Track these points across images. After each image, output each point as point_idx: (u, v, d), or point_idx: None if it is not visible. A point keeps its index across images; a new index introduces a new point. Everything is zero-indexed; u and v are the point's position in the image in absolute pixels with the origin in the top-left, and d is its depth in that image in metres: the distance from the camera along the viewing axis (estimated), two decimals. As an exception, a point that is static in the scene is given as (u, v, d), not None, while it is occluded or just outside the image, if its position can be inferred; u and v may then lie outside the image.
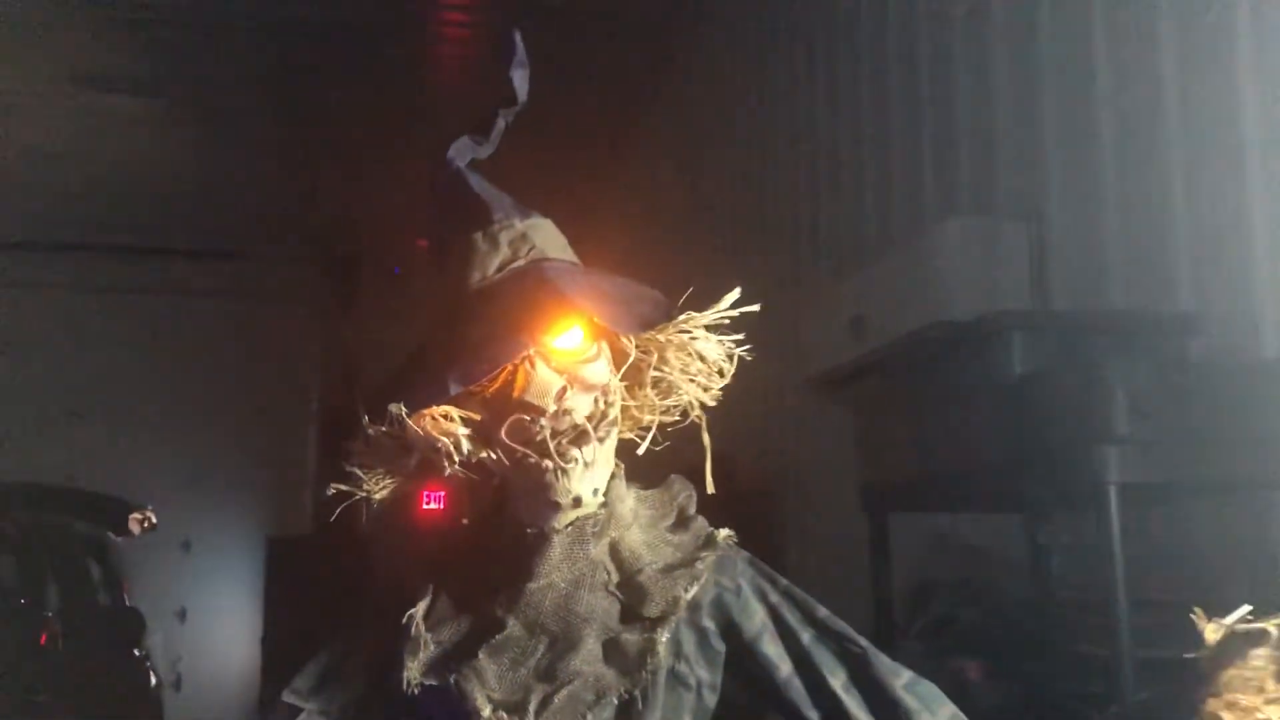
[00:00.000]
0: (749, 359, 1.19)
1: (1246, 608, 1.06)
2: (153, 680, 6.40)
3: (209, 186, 8.00)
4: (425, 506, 9.45)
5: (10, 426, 7.87)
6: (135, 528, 6.15)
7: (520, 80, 1.21)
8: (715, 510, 1.26)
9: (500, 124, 1.21)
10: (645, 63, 5.97)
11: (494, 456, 1.14)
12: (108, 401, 8.83)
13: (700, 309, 1.15)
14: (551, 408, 1.12)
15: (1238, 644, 1.04)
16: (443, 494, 9.45)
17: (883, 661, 1.21)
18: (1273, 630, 1.03)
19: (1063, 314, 2.64)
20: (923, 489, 2.54)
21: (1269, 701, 1.02)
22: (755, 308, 1.15)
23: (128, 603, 6.10)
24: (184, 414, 9.02)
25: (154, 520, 6.34)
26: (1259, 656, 1.03)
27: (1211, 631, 1.05)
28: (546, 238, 1.19)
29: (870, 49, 3.91)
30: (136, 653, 6.25)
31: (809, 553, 3.71)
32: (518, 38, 1.20)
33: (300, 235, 9.40)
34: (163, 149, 7.35)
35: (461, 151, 1.22)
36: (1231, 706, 1.03)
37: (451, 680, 1.13)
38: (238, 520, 9.41)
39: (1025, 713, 2.05)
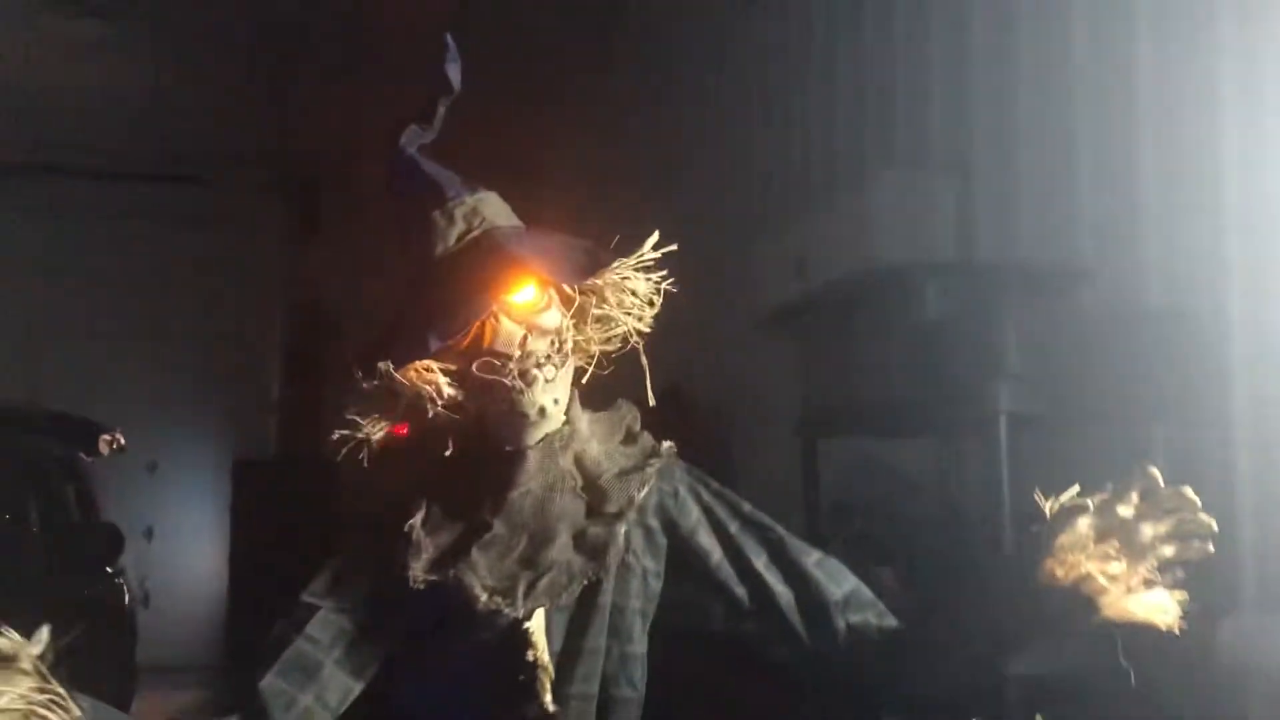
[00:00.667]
0: (695, 296, 1.43)
1: (1075, 488, 1.34)
2: (126, 597, 6.55)
3: (170, 112, 8.03)
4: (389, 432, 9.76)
5: None
6: (104, 449, 6.28)
7: (454, 73, 1.43)
8: (667, 431, 1.51)
9: (441, 110, 1.44)
10: (597, 16, 6.09)
11: (471, 393, 1.38)
12: (71, 325, 8.86)
13: (642, 248, 1.39)
14: (516, 353, 1.35)
15: (1066, 515, 1.32)
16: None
17: (796, 544, 1.48)
18: (1090, 504, 1.32)
19: (971, 264, 2.93)
20: (849, 416, 2.83)
21: (1089, 558, 1.31)
22: (673, 247, 1.39)
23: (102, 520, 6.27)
24: (148, 338, 9.06)
25: (122, 442, 6.47)
26: (1082, 524, 1.32)
27: (1049, 508, 1.34)
28: (494, 209, 1.41)
29: (818, 8, 4.14)
30: (109, 570, 6.38)
31: (748, 471, 4.01)
32: (449, 39, 1.44)
33: (261, 161, 9.46)
34: (124, 74, 7.34)
35: (411, 139, 1.43)
36: (1062, 564, 1.32)
37: (450, 575, 1.35)
38: (203, 443, 9.49)
39: (931, 614, 2.36)
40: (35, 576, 4.83)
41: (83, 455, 6.30)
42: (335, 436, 1.37)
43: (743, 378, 4.44)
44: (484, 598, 1.34)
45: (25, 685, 1.13)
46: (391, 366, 1.32)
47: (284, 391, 9.92)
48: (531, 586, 1.35)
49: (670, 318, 1.45)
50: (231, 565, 9.02)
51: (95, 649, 5.32)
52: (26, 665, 1.14)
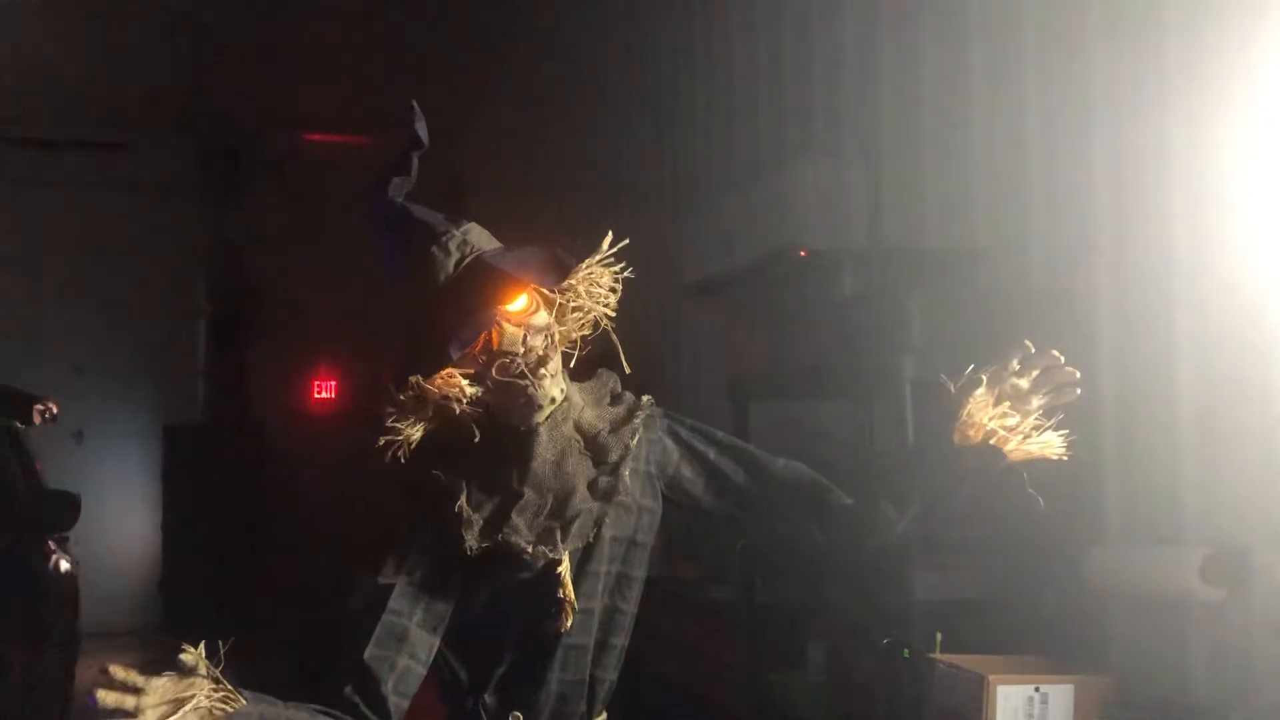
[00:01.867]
0: (633, 277, 1.73)
1: (972, 367, 1.71)
2: (65, 565, 6.61)
3: (91, 80, 8.05)
4: (316, 396, 9.93)
5: None
6: (37, 418, 6.40)
7: (422, 130, 1.72)
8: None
9: (415, 162, 1.72)
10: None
11: (489, 389, 1.68)
12: None
13: (601, 247, 1.70)
14: (521, 350, 1.66)
15: (967, 388, 1.69)
16: (332, 384, 9.98)
17: (762, 455, 1.85)
18: (983, 376, 1.68)
19: (880, 248, 3.29)
20: (777, 381, 3.18)
21: (990, 418, 1.69)
22: (626, 242, 1.70)
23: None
24: (72, 306, 9.06)
25: (55, 411, 6.58)
26: (980, 393, 1.68)
27: (952, 385, 1.70)
28: (478, 236, 1.71)
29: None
30: (49, 540, 6.44)
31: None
32: (415, 104, 1.72)
33: (180, 129, 9.49)
34: (44, 39, 7.33)
35: (397, 189, 1.72)
36: (969, 424, 1.69)
37: (499, 539, 1.68)
38: (130, 411, 9.54)
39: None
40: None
41: (19, 424, 6.38)
42: (381, 443, 1.66)
43: (677, 347, 4.80)
44: (530, 550, 1.68)
45: (206, 688, 1.48)
46: (421, 379, 1.63)
47: (209, 357, 10.01)
48: (565, 533, 1.69)
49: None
50: (164, 530, 9.12)
51: (42, 615, 5.42)
52: (204, 671, 1.48)
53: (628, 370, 1.82)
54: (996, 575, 2.63)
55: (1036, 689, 2.26)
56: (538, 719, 1.78)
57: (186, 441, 9.23)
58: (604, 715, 1.87)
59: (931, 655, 2.42)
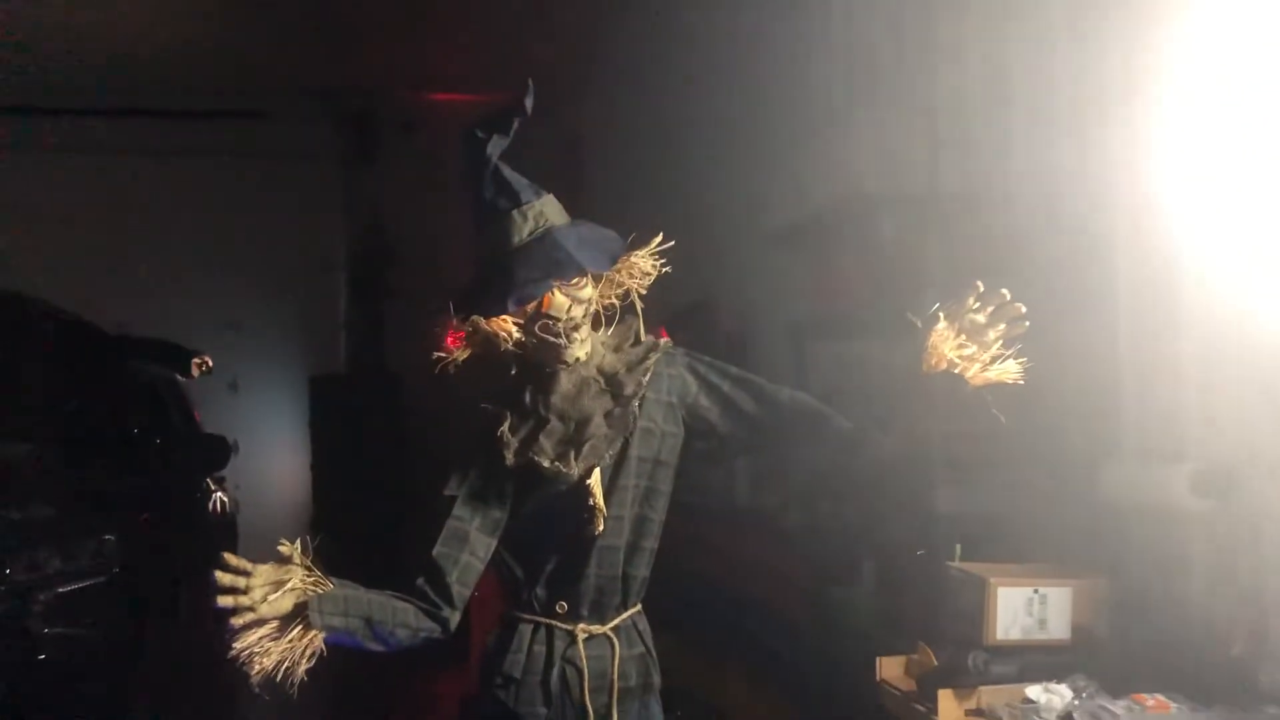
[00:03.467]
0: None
1: (937, 305, 1.99)
2: (223, 503, 7.26)
3: (226, 48, 8.38)
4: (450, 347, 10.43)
5: (63, 284, 8.53)
6: (196, 371, 7.05)
7: (529, 103, 2.07)
8: (696, 344, 2.14)
9: (515, 126, 2.07)
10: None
11: (529, 338, 2.05)
12: (151, 256, 9.40)
13: (649, 245, 2.07)
14: (563, 316, 2.03)
15: (928, 324, 1.98)
16: (463, 335, 10.45)
17: (770, 386, 2.17)
18: (941, 315, 1.97)
19: (911, 195, 3.50)
20: (832, 322, 3.47)
21: (950, 349, 1.97)
22: (670, 244, 2.05)
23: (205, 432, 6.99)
24: (222, 267, 9.61)
25: (210, 364, 7.23)
26: (940, 328, 1.97)
27: (919, 322, 2.00)
28: (553, 210, 2.07)
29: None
30: (207, 479, 7.09)
31: (752, 368, 4.66)
32: (530, 83, 2.08)
33: (317, 94, 9.99)
34: (179, 10, 7.71)
35: (495, 147, 2.07)
36: (934, 355, 1.98)
37: (530, 456, 2.06)
38: (279, 363, 10.19)
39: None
40: (166, 483, 5.49)
41: (180, 377, 7.03)
42: (434, 357, 2.06)
43: (755, 294, 5.09)
44: (549, 465, 2.05)
45: (300, 574, 1.94)
46: (479, 319, 2.01)
47: (350, 311, 10.62)
48: (579, 453, 2.06)
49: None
50: (313, 472, 9.81)
51: (207, 551, 6.00)
52: (298, 560, 1.94)
53: (643, 337, 2.18)
54: (1017, 489, 2.89)
55: (1036, 591, 2.52)
56: (580, 608, 2.16)
57: (331, 390, 9.85)
58: (638, 607, 2.23)
59: (950, 562, 2.70)
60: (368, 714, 5.69)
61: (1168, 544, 2.67)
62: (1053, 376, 2.91)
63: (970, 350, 2.02)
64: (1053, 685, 2.34)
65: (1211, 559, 2.57)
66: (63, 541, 4.13)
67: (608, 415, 2.09)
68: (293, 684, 1.91)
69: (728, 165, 5.21)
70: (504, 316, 2.03)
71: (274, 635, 1.92)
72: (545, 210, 2.06)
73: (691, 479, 2.30)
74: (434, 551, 2.08)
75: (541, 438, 2.07)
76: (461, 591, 2.09)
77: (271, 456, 9.92)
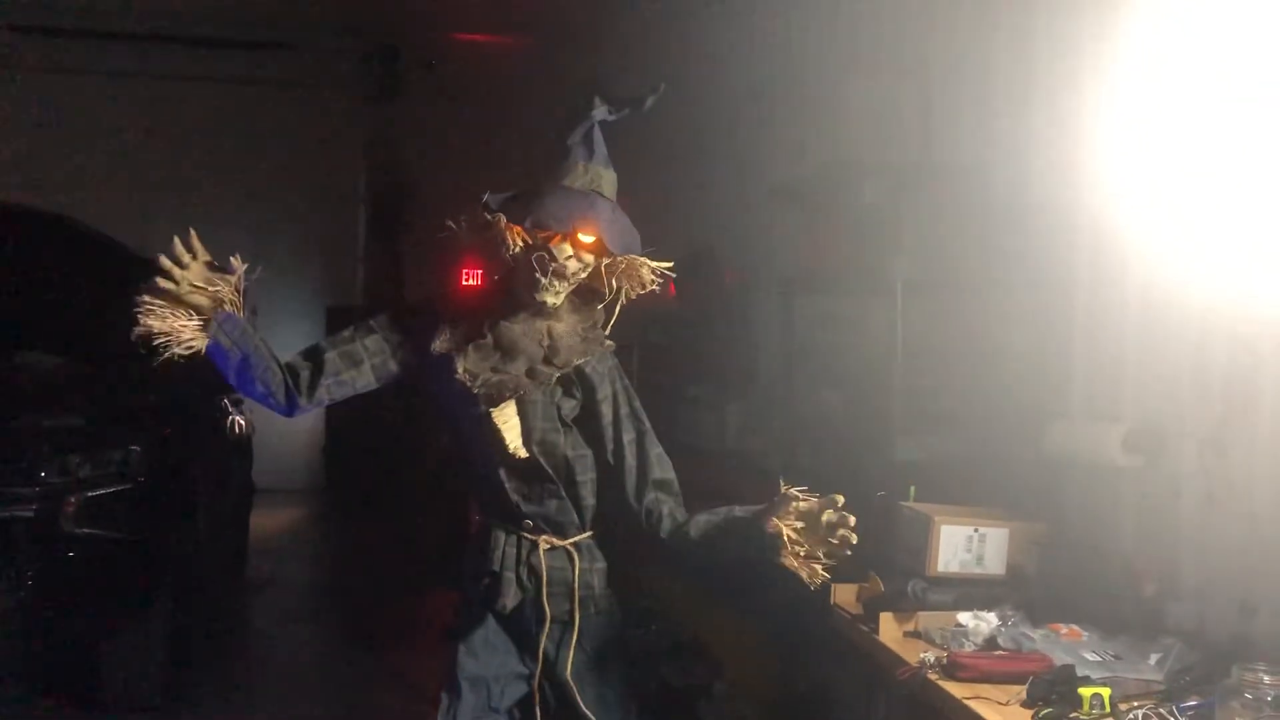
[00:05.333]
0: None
1: (805, 488, 2.20)
2: (241, 424, 7.49)
3: None
4: (465, 283, 10.70)
5: (92, 202, 8.69)
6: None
7: (650, 104, 2.31)
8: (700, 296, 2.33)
9: (625, 112, 2.31)
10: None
11: (524, 258, 2.30)
12: (175, 183, 9.61)
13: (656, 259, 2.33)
14: (558, 260, 2.28)
15: (788, 498, 2.20)
16: (479, 273, 10.71)
17: (653, 437, 2.42)
18: (800, 502, 2.20)
19: (886, 162, 3.71)
20: (813, 279, 3.71)
21: (787, 527, 2.23)
22: (668, 265, 2.32)
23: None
24: (245, 196, 9.82)
25: (235, 284, 7.42)
26: (792, 509, 2.25)
27: (784, 490, 2.25)
28: (608, 183, 2.31)
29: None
30: (227, 402, 7.32)
31: (747, 317, 4.92)
32: (663, 87, 2.31)
33: (345, 28, 10.14)
34: None
35: (601, 114, 2.31)
36: (777, 519, 2.22)
37: (449, 351, 2.32)
38: (298, 292, 10.35)
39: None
40: (187, 401, 5.67)
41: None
42: (449, 224, 2.34)
43: (749, 242, 5.32)
44: (461, 370, 2.33)
45: (228, 290, 2.24)
46: (503, 216, 2.28)
47: (369, 244, 10.84)
48: (486, 382, 2.33)
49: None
50: (328, 402, 10.03)
51: (225, 466, 6.23)
52: (236, 279, 2.24)
53: (609, 343, 2.44)
54: (972, 442, 3.14)
55: (976, 530, 2.78)
56: (540, 524, 2.44)
57: (347, 321, 9.99)
58: (600, 527, 2.49)
59: (902, 503, 2.96)
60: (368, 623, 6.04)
61: (1099, 495, 2.93)
62: (1008, 340, 3.18)
63: (799, 539, 2.21)
64: (982, 613, 2.61)
65: (1136, 511, 2.83)
66: (92, 450, 4.39)
67: (530, 368, 2.35)
68: (160, 358, 2.20)
69: (735, 124, 5.42)
70: (518, 228, 2.28)
71: (176, 314, 2.20)
72: (604, 179, 2.33)
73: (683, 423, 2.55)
74: (328, 353, 2.37)
75: (470, 347, 2.34)
76: (323, 396, 2.37)
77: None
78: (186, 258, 2.19)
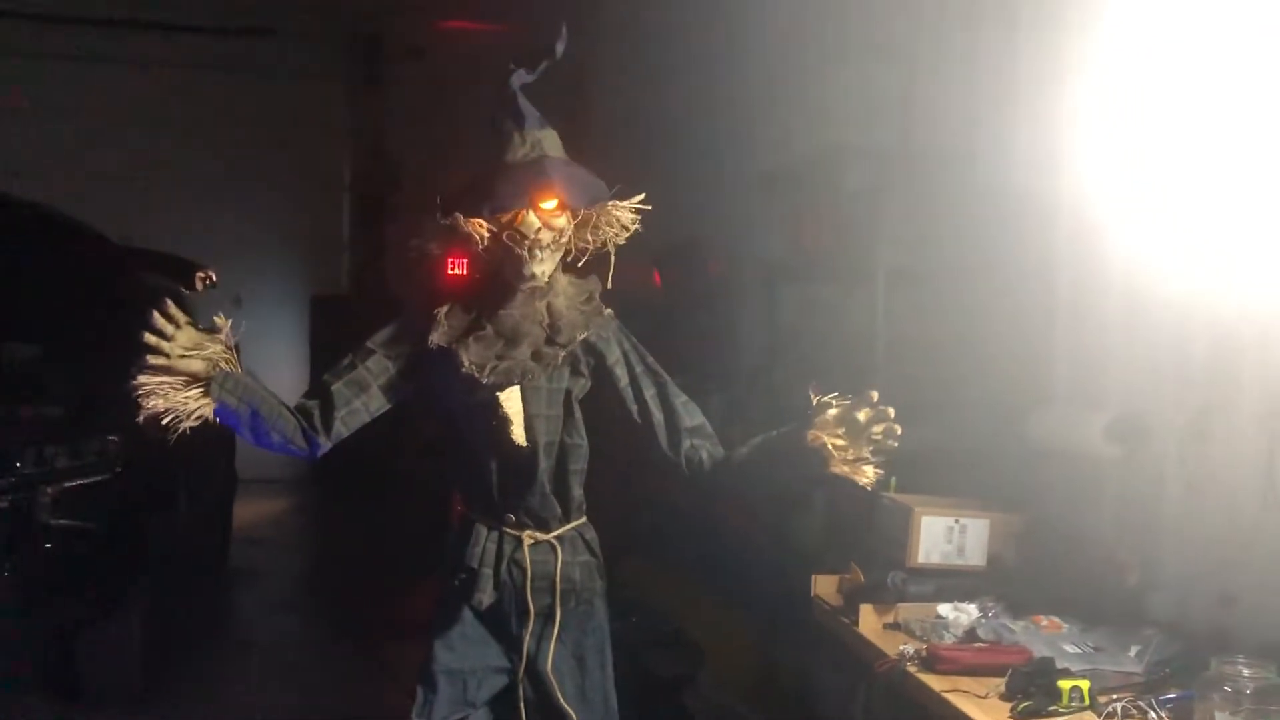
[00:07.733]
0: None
1: (836, 393, 2.20)
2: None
3: None
4: (451, 272, 10.65)
5: (71, 190, 8.61)
6: (199, 285, 7.22)
7: (560, 48, 2.26)
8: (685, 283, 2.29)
9: (542, 66, 2.27)
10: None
11: (499, 246, 2.26)
12: (159, 171, 9.54)
13: (629, 200, 2.27)
14: (531, 234, 2.24)
15: (821, 408, 2.19)
16: (464, 262, 10.66)
17: (674, 387, 2.39)
18: (834, 405, 2.19)
19: (872, 149, 3.69)
20: (795, 267, 3.69)
21: (828, 436, 2.19)
22: (642, 196, 2.26)
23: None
24: (228, 184, 9.76)
25: (215, 279, 7.38)
26: (828, 415, 2.20)
27: (815, 401, 2.23)
28: (551, 142, 2.27)
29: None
30: None
31: (730, 306, 4.90)
32: (564, 28, 2.25)
33: (326, 15, 10.08)
34: None
35: (516, 79, 2.27)
36: (815, 436, 2.19)
37: (452, 346, 2.28)
38: (282, 281, 10.30)
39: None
40: None
41: (184, 290, 7.18)
42: (413, 243, 2.29)
43: (734, 230, 5.28)
44: (466, 364, 2.28)
45: (220, 349, 2.17)
46: (460, 216, 2.23)
47: (353, 232, 10.79)
48: (494, 370, 2.29)
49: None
50: (314, 386, 9.97)
51: (206, 457, 6.20)
52: (224, 336, 2.16)
53: (609, 286, 2.40)
54: (955, 430, 3.13)
55: (956, 521, 2.77)
56: (523, 518, 2.41)
57: (331, 309, 10.04)
58: (583, 519, 2.48)
59: (883, 493, 2.94)
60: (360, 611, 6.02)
61: (1081, 484, 2.91)
62: (990, 329, 3.17)
63: (842, 443, 2.20)
64: (962, 604, 2.60)
65: (1118, 500, 2.82)
66: (70, 439, 4.35)
67: (535, 350, 2.31)
68: (174, 433, 2.13)
69: (717, 113, 5.38)
70: (479, 221, 2.24)
71: (175, 387, 2.14)
72: (544, 140, 2.28)
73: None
74: (333, 385, 2.32)
75: (471, 339, 2.30)
76: (340, 430, 2.32)
77: (272, 372, 10.02)
78: (170, 328, 2.14)
